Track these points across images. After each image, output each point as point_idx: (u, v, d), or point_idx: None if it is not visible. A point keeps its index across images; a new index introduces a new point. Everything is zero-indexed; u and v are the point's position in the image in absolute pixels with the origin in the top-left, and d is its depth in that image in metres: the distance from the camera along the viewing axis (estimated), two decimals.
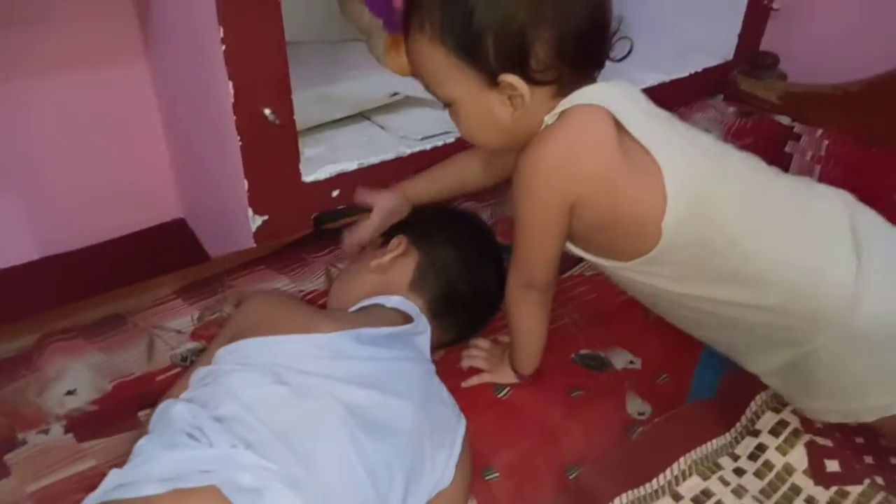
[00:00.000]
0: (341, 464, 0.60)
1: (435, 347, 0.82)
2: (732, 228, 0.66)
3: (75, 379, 0.81)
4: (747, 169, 0.71)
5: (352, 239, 0.86)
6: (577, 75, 0.67)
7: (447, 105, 0.71)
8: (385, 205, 0.85)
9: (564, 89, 0.67)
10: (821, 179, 1.22)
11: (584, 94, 0.67)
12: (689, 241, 0.66)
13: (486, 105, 0.68)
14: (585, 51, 0.66)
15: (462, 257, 0.83)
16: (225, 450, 0.58)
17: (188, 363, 0.83)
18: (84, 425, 0.76)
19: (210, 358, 0.70)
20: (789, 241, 0.67)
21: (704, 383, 0.84)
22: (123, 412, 0.77)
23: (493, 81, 0.66)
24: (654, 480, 0.73)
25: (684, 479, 0.73)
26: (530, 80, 0.65)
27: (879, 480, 0.73)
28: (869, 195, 1.16)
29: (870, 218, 0.73)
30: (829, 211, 0.71)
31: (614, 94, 0.68)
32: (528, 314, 0.77)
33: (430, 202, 0.89)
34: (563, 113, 0.67)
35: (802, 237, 0.68)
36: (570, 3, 0.64)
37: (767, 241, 0.67)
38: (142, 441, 0.62)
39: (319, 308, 0.84)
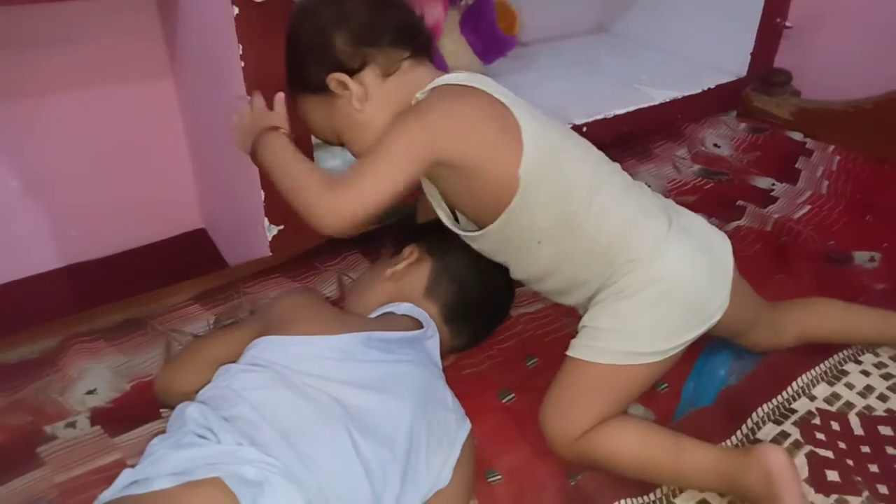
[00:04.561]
0: (340, 463, 0.62)
1: (446, 352, 0.84)
2: (577, 180, 0.75)
3: (96, 379, 0.84)
4: (587, 145, 0.81)
5: None
6: (391, 55, 0.76)
7: (342, 145, 0.81)
8: None
9: (389, 68, 0.76)
10: (829, 194, 1.23)
11: (449, 78, 0.76)
12: (542, 188, 0.73)
13: (346, 117, 0.77)
14: (380, 33, 0.76)
15: (474, 263, 0.85)
16: (231, 446, 0.60)
17: None
18: (109, 420, 0.79)
19: (235, 338, 0.77)
20: (622, 200, 0.76)
21: (704, 393, 0.85)
22: (145, 408, 0.81)
23: (329, 89, 0.76)
24: (657, 489, 0.74)
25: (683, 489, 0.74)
26: (349, 72, 0.76)
27: (883, 489, 0.73)
28: (878, 211, 1.17)
29: (683, 210, 0.82)
30: (650, 192, 0.81)
31: (475, 77, 0.77)
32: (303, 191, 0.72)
33: None
34: (433, 89, 0.75)
35: (630, 198, 0.77)
36: (345, 6, 0.76)
37: (602, 195, 0.75)
38: (154, 441, 0.65)
39: (341, 311, 0.86)
